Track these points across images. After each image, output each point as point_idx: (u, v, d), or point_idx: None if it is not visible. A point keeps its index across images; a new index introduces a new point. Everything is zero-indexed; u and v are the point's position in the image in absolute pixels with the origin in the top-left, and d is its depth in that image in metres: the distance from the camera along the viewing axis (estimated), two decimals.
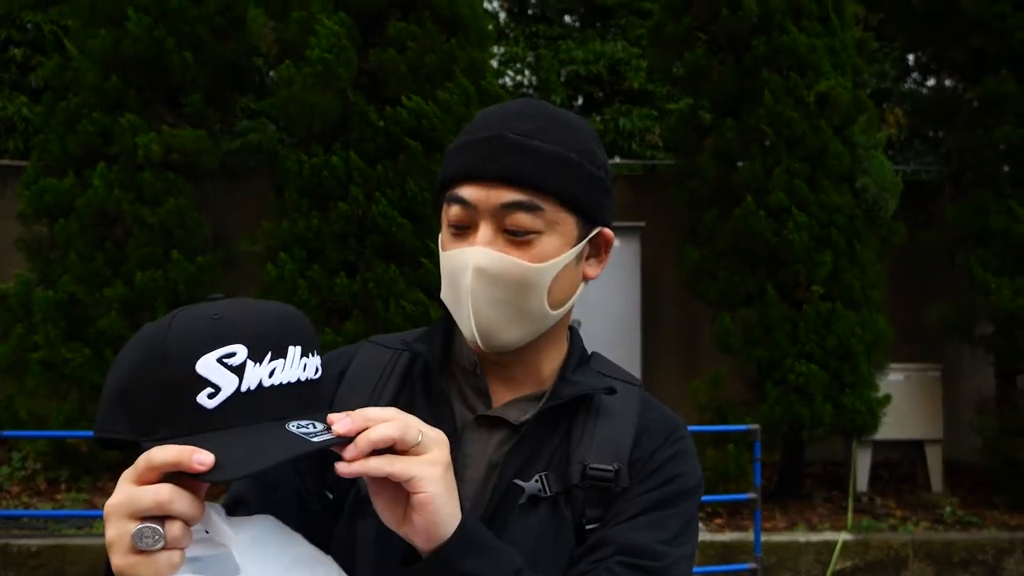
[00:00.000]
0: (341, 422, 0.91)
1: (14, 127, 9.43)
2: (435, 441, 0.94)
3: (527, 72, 12.46)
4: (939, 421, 7.36)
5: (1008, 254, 6.99)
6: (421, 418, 0.96)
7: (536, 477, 1.11)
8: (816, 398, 6.40)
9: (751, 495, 5.34)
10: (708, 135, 7.12)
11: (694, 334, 8.18)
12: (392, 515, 0.95)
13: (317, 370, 0.99)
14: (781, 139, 6.57)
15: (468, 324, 1.11)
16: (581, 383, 1.17)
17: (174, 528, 0.82)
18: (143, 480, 0.83)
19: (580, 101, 12.09)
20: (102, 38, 6.46)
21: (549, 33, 12.60)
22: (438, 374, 1.17)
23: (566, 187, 1.11)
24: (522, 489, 1.10)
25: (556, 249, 1.12)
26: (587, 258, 1.19)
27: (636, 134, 11.02)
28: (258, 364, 0.92)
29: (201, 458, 0.82)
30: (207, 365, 0.90)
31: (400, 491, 0.93)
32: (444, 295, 1.16)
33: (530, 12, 13.22)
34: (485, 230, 1.10)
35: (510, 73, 12.36)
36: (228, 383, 0.90)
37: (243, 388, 0.91)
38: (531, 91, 12.05)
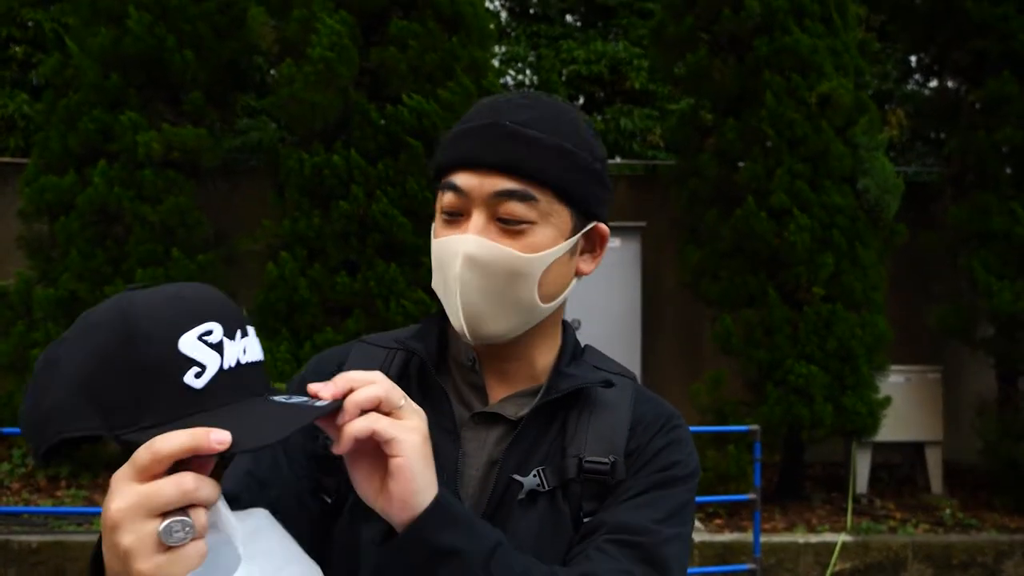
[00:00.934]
0: (325, 387, 0.90)
1: (15, 125, 9.44)
2: (415, 412, 0.94)
3: (528, 71, 12.46)
4: (939, 423, 7.35)
5: (1010, 256, 6.98)
6: None
7: (534, 472, 1.10)
8: (816, 399, 6.39)
9: (751, 496, 5.33)
10: (709, 135, 7.12)
11: (695, 335, 8.17)
12: (368, 487, 0.94)
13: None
14: (783, 140, 6.56)
15: (456, 313, 1.10)
16: (577, 376, 1.16)
17: (201, 516, 0.78)
18: (151, 474, 0.76)
19: (581, 101, 12.09)
20: (103, 36, 6.46)
21: (551, 32, 12.60)
22: (434, 372, 1.16)
23: (562, 178, 1.10)
24: (521, 484, 1.10)
25: (549, 241, 1.10)
26: (581, 253, 1.18)
27: (637, 134, 11.02)
28: (232, 341, 0.89)
29: (219, 437, 0.78)
30: (190, 343, 0.85)
31: (378, 461, 0.92)
32: (435, 283, 1.14)
33: (532, 11, 13.22)
34: (477, 218, 1.08)
35: (511, 72, 12.36)
36: (212, 361, 0.86)
37: (224, 366, 0.87)
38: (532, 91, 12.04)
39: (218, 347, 0.87)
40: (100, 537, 0.80)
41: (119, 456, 0.82)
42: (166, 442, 0.77)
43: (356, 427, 0.89)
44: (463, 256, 1.08)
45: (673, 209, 7.51)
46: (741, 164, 6.81)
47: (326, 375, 1.11)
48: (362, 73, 6.41)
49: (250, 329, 0.93)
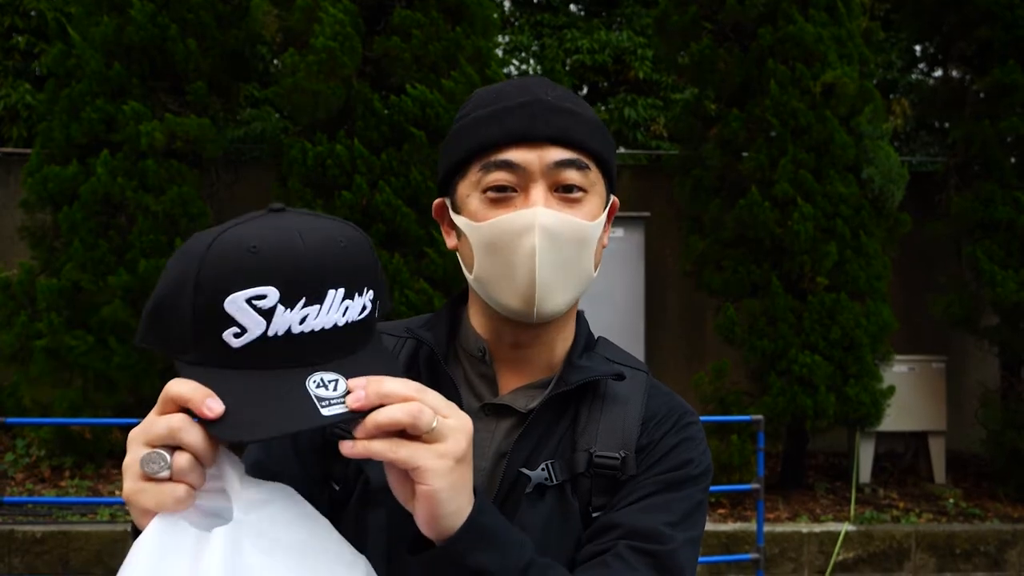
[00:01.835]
0: (355, 395, 0.85)
1: (17, 115, 9.44)
2: (453, 430, 0.88)
3: (532, 61, 12.44)
4: (943, 412, 7.35)
5: (1014, 245, 6.98)
6: None
7: (542, 465, 1.10)
8: (820, 389, 6.39)
9: (754, 485, 5.33)
10: (713, 125, 7.10)
11: (698, 324, 8.17)
12: (402, 490, 0.91)
13: (364, 308, 0.92)
14: (787, 129, 6.54)
15: (526, 291, 1.07)
16: (588, 369, 1.15)
17: (181, 459, 0.81)
18: (164, 410, 0.83)
19: (585, 90, 12.07)
20: (105, 25, 6.45)
21: (554, 22, 12.58)
22: (443, 362, 1.15)
23: (602, 149, 1.13)
24: (529, 478, 1.09)
25: (598, 209, 1.13)
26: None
27: (641, 124, 11.01)
28: (289, 310, 0.86)
29: (212, 404, 0.81)
30: (235, 304, 0.85)
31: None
32: (484, 268, 1.10)
33: (535, 1, 13.19)
34: (538, 191, 1.08)
35: (515, 62, 12.34)
36: (255, 325, 0.85)
37: (270, 333, 0.86)
38: None
39: (267, 313, 0.85)
40: None
41: (122, 446, 0.84)
42: (176, 385, 0.82)
43: (372, 448, 0.84)
44: (540, 229, 1.06)
45: (677, 199, 7.49)
46: (745, 154, 6.80)
47: None
48: (365, 63, 6.40)
49: (333, 295, 0.88)
